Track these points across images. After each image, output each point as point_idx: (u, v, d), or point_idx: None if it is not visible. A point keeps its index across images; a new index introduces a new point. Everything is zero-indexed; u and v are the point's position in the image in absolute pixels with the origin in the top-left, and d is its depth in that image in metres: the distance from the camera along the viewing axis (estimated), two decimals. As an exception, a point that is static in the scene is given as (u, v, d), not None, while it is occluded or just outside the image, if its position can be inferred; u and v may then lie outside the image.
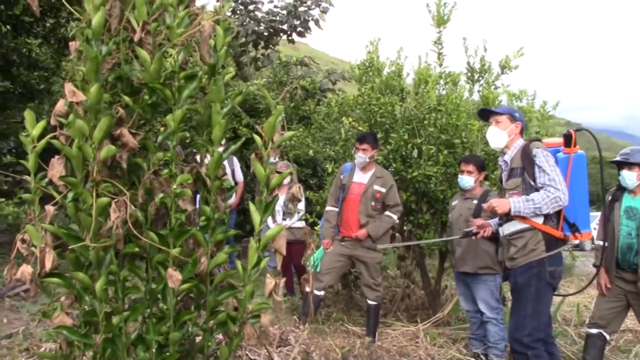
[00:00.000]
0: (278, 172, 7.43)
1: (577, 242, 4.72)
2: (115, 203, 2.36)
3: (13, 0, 8.00)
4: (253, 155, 2.62)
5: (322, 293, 6.41)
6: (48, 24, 9.34)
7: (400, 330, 6.62)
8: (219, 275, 2.72)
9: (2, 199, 7.09)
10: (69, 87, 2.36)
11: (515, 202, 4.35)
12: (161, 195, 2.57)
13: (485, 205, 4.71)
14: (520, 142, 4.65)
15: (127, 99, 2.55)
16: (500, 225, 4.72)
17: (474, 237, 5.33)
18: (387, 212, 6.24)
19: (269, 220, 8.22)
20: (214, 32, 2.60)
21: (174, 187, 2.56)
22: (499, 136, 4.66)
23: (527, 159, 4.46)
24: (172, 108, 2.58)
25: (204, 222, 2.68)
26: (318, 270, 6.32)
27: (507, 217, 4.54)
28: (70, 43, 2.58)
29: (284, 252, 2.72)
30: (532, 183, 4.40)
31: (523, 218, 4.41)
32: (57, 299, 2.65)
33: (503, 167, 4.73)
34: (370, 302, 6.30)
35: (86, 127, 2.37)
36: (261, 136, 2.63)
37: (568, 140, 4.52)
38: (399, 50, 7.52)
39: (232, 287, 2.75)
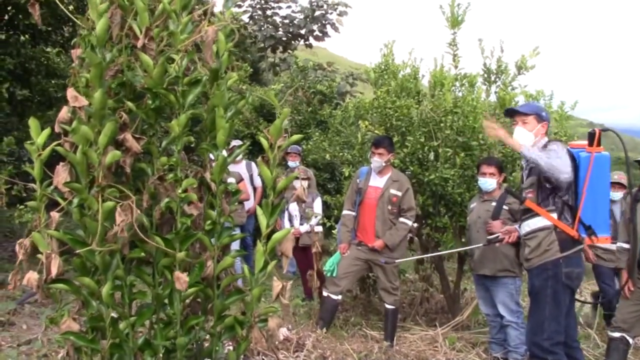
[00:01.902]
0: (296, 178, 7.46)
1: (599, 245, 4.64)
2: (120, 207, 2.37)
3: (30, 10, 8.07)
4: (260, 158, 2.62)
5: (339, 297, 6.38)
6: (66, 33, 9.45)
7: (419, 334, 6.56)
8: (225, 279, 2.71)
9: (22, 207, 7.18)
10: (71, 92, 2.38)
11: (527, 146, 4.35)
12: (166, 200, 2.56)
13: (485, 122, 4.62)
14: (543, 141, 4.54)
15: (130, 104, 2.55)
16: (519, 226, 4.67)
17: (497, 244, 5.24)
18: (401, 219, 6.18)
19: (287, 224, 8.25)
20: (217, 37, 2.60)
21: (179, 191, 2.56)
22: (526, 137, 4.53)
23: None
24: (176, 113, 2.58)
25: (210, 226, 2.67)
26: (335, 274, 6.29)
27: (524, 213, 4.49)
28: (72, 51, 2.59)
29: (290, 255, 2.69)
30: (548, 184, 4.33)
31: (540, 210, 4.32)
32: (65, 304, 2.66)
33: (524, 165, 4.66)
34: (387, 306, 6.26)
35: (90, 132, 2.38)
36: (268, 139, 2.63)
37: (592, 139, 4.40)
38: (411, 52, 7.48)
39: (239, 291, 2.74)
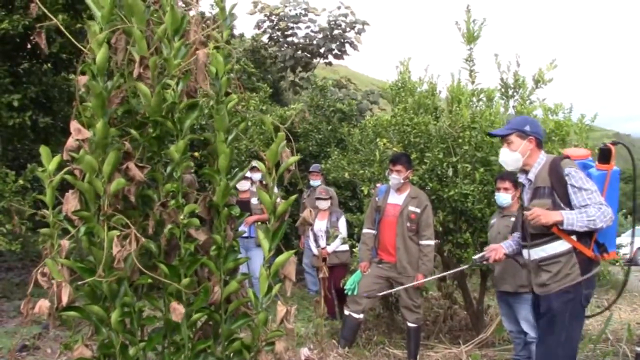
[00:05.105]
0: (318, 198, 7.49)
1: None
2: (117, 237, 2.39)
3: (51, 39, 8.30)
4: (257, 183, 2.64)
5: (361, 316, 6.36)
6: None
7: (443, 352, 6.50)
8: (232, 304, 2.71)
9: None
10: (74, 125, 2.41)
11: (567, 214, 3.97)
12: (169, 226, 2.58)
13: (527, 213, 4.15)
14: (543, 157, 4.29)
15: (134, 132, 2.59)
16: (524, 247, 4.37)
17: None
18: (422, 242, 6.14)
19: (312, 244, 8.28)
20: (209, 60, 2.61)
21: (181, 217, 2.57)
22: (512, 158, 4.31)
23: (556, 178, 4.11)
24: (175, 139, 2.60)
25: (215, 251, 2.68)
26: (356, 293, 6.28)
27: (534, 237, 4.22)
28: (79, 78, 2.62)
29: (294, 279, 2.68)
30: (562, 205, 4.06)
31: (562, 234, 4.05)
32: (79, 330, 2.69)
33: (526, 185, 4.36)
34: (410, 324, 6.22)
35: (95, 162, 2.41)
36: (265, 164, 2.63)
37: (606, 156, 4.15)
38: (426, 68, 7.53)
39: (246, 315, 2.74)
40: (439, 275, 6.66)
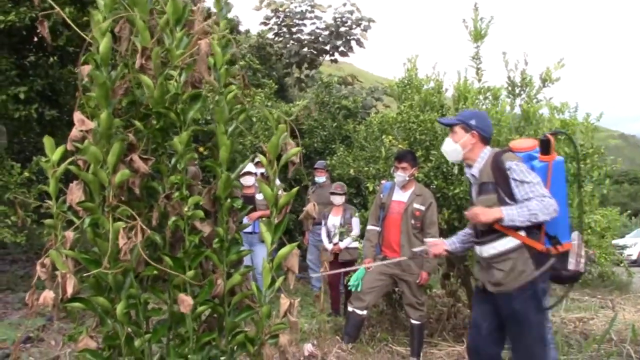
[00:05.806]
0: (333, 193, 7.52)
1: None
2: (123, 229, 2.38)
3: (58, 32, 8.32)
4: (259, 176, 2.63)
5: (364, 313, 6.36)
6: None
7: (446, 350, 6.50)
8: (236, 297, 2.70)
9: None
10: (77, 116, 2.40)
11: (507, 210, 3.86)
12: (173, 218, 2.57)
13: (466, 213, 4.12)
14: (487, 152, 4.16)
15: (138, 124, 2.58)
16: (477, 243, 4.23)
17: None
18: (426, 239, 6.12)
19: (325, 240, 8.31)
20: (210, 50, 2.59)
21: (186, 209, 2.56)
22: (452, 149, 4.24)
23: (499, 173, 3.99)
24: (179, 130, 2.59)
25: (218, 244, 2.67)
26: (359, 289, 6.28)
27: (484, 234, 4.10)
28: (82, 67, 2.60)
29: (296, 271, 2.67)
30: (507, 199, 3.95)
31: (508, 230, 3.94)
32: (83, 322, 2.69)
33: (472, 181, 4.25)
34: (413, 321, 6.22)
35: (99, 152, 2.40)
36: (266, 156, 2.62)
37: (546, 147, 4.01)
38: (434, 66, 7.51)
39: (250, 308, 2.74)
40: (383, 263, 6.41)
